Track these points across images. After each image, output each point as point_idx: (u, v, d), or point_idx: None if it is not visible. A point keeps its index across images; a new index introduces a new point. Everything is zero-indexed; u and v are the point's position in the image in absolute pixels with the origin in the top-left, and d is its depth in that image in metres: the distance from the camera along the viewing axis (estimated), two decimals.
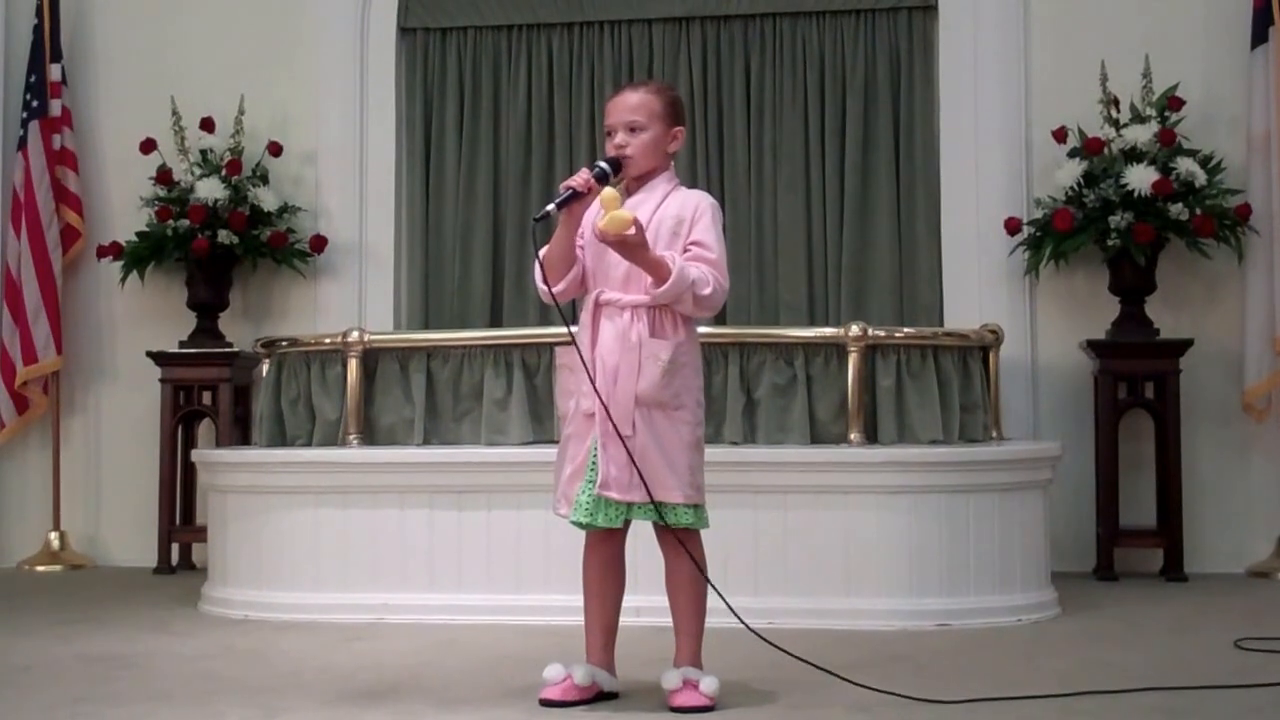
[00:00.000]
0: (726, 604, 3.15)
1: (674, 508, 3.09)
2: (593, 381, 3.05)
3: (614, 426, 3.03)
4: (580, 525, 3.10)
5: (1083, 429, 5.58)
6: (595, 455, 3.08)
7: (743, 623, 3.18)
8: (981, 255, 5.77)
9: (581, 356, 3.08)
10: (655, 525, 3.12)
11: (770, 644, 3.23)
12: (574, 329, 3.20)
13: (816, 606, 4.28)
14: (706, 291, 3.08)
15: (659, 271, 3.04)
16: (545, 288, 3.15)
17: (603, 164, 3.12)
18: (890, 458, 4.40)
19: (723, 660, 3.24)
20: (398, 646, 4.00)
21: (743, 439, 4.59)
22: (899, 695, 3.17)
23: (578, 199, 3.09)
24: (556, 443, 4.46)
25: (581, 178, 3.09)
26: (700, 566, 3.14)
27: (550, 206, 3.07)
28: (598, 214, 3.02)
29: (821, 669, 3.28)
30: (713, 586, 3.13)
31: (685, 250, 3.11)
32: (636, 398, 3.07)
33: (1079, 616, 4.45)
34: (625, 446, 3.04)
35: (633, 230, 2.96)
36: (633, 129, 3.16)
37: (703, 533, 3.18)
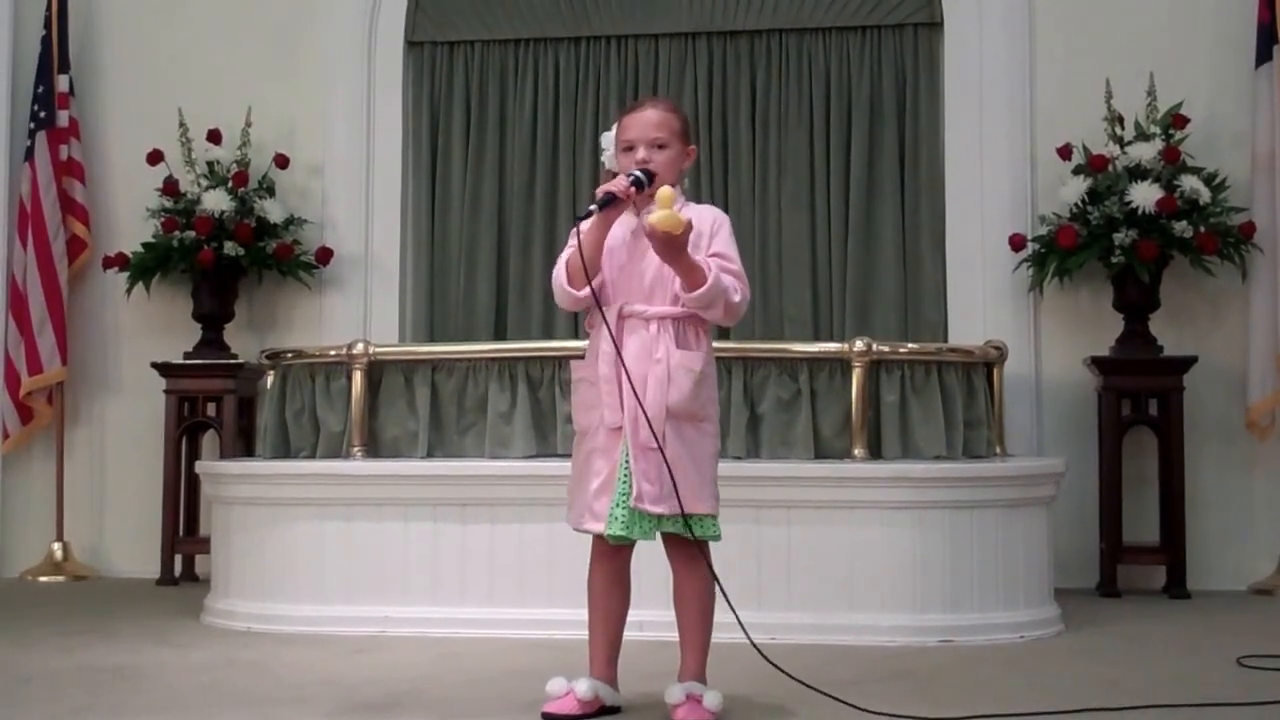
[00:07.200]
0: (736, 617, 3.13)
1: (701, 519, 3.10)
2: (635, 394, 3.04)
3: (649, 438, 3.03)
4: (616, 539, 3.08)
5: (1086, 445, 5.58)
6: (625, 468, 3.07)
7: (749, 639, 3.16)
8: (986, 271, 5.78)
9: (624, 368, 3.06)
10: (664, 537, 3.12)
11: (774, 665, 3.22)
12: (592, 342, 3.19)
13: (819, 621, 4.28)
14: (737, 299, 3.12)
15: (694, 275, 3.05)
16: (574, 291, 3.12)
17: (638, 173, 3.13)
18: (894, 473, 4.40)
19: (726, 675, 3.24)
20: (401, 659, 4.00)
21: (746, 453, 4.60)
22: (899, 716, 3.17)
23: (616, 204, 3.10)
24: (560, 456, 4.49)
25: (622, 184, 3.10)
26: (715, 579, 3.14)
27: (592, 206, 3.08)
28: (643, 218, 3.03)
29: (823, 692, 3.28)
30: (725, 599, 3.12)
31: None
32: (668, 409, 3.07)
33: (1081, 633, 4.45)
34: (659, 459, 3.04)
35: (679, 230, 2.98)
36: (658, 145, 3.18)
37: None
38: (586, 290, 3.12)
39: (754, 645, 3.13)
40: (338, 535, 4.56)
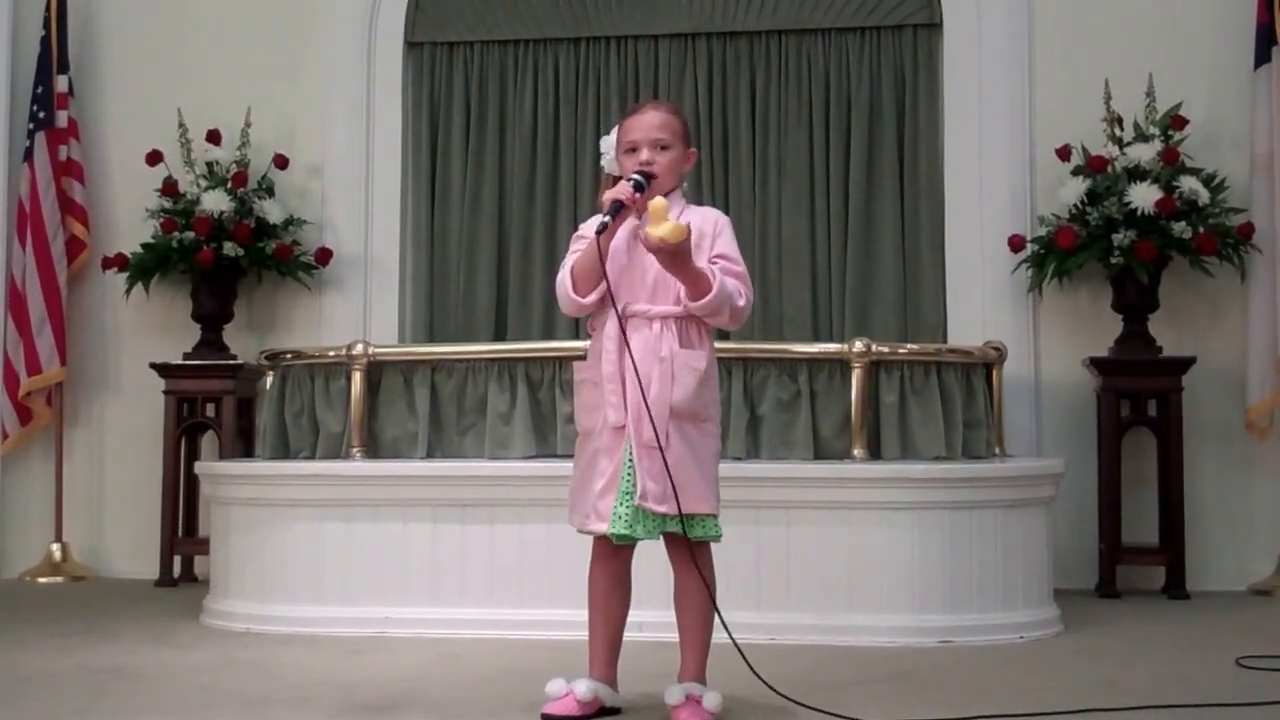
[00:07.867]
0: (722, 621, 3.14)
1: (702, 519, 3.10)
2: (642, 392, 3.04)
3: (652, 437, 3.03)
4: (620, 538, 3.07)
5: (1085, 446, 5.59)
6: (628, 467, 3.07)
7: (733, 641, 3.15)
8: (985, 272, 5.78)
9: (635, 366, 3.06)
10: (666, 537, 3.12)
11: (757, 675, 3.22)
12: (594, 343, 3.19)
13: (819, 622, 4.28)
14: (742, 303, 3.13)
15: (700, 284, 3.06)
16: (579, 298, 3.13)
17: (638, 176, 3.13)
18: (893, 474, 4.40)
19: (726, 676, 3.24)
20: (400, 660, 4.00)
21: (746, 454, 4.60)
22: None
23: (623, 211, 3.10)
24: (559, 457, 4.49)
25: (627, 190, 3.10)
26: (711, 579, 3.14)
27: (606, 218, 3.07)
28: (642, 224, 3.04)
29: (795, 700, 3.28)
30: (713, 603, 3.12)
31: (711, 263, 3.13)
32: (671, 409, 3.07)
33: (1081, 634, 4.45)
34: (661, 458, 3.04)
35: (684, 238, 2.98)
36: (660, 147, 3.19)
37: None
38: (592, 296, 3.13)
39: (738, 649, 3.12)
40: (337, 536, 4.56)
